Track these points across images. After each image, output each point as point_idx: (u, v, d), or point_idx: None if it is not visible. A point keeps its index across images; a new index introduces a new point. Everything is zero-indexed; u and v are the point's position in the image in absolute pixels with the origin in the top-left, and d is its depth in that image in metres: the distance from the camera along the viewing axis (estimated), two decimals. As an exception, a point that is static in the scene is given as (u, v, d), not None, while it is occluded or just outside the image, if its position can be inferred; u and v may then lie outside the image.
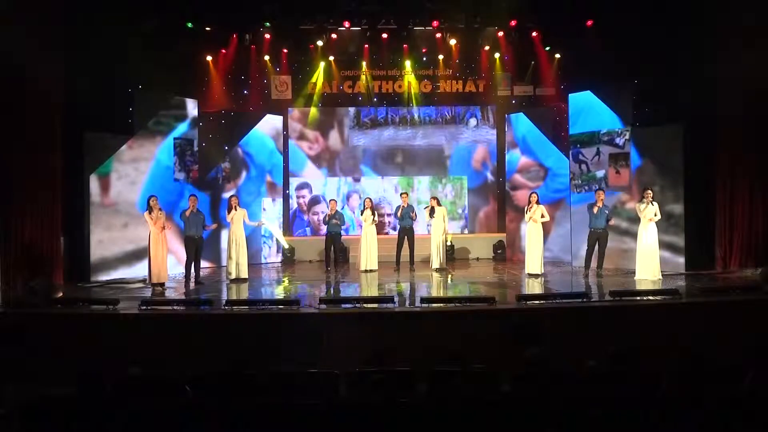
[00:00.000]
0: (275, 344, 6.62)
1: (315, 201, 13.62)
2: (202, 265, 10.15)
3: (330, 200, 11.59)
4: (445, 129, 13.65)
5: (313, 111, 13.44)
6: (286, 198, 13.39)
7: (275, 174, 12.97)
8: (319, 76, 13.13)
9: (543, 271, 9.90)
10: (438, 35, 12.45)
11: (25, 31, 8.38)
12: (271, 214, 12.71)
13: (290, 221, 13.49)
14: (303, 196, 13.63)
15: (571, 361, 4.84)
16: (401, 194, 11.48)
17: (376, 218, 11.06)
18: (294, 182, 13.57)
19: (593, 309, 7.29)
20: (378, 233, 11.24)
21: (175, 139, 11.01)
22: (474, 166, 13.68)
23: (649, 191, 9.16)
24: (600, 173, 10.86)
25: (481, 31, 12.46)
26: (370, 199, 11.43)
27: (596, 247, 9.81)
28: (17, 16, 8.34)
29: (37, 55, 8.62)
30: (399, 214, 11.11)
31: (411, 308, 7.57)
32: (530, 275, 9.83)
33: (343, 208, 13.40)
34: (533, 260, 9.91)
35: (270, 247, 12.63)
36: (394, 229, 12.07)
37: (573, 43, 11.71)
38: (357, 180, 13.68)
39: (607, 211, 9.72)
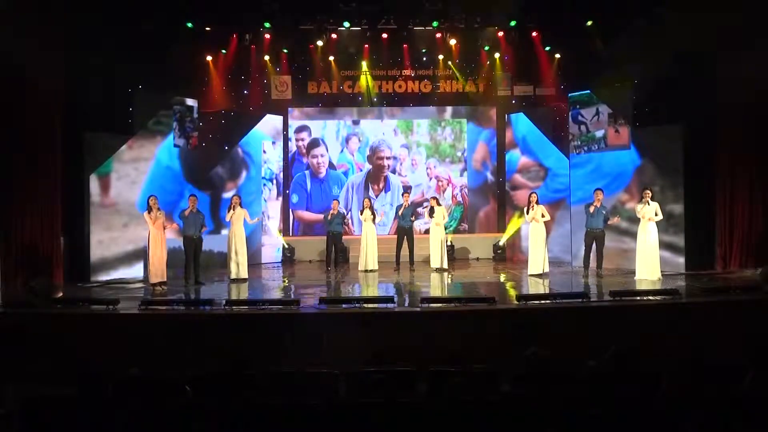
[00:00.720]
0: (275, 344, 6.63)
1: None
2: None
3: (333, 200, 11.59)
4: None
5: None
6: (285, 197, 13.39)
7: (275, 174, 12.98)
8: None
9: (546, 271, 9.89)
10: (438, 35, 12.45)
11: (25, 31, 8.37)
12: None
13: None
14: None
15: (571, 361, 4.84)
16: (403, 194, 11.48)
17: (376, 218, 11.07)
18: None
19: (593, 309, 7.29)
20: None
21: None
22: (474, 165, 13.69)
23: (648, 191, 9.16)
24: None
25: (481, 31, 12.45)
26: (369, 198, 11.43)
27: (594, 247, 9.82)
28: (17, 16, 8.33)
29: (37, 55, 8.61)
30: (400, 213, 11.13)
31: (411, 308, 7.57)
32: (533, 275, 9.82)
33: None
34: (536, 260, 9.89)
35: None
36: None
37: (573, 43, 11.70)
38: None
39: (604, 211, 9.72)
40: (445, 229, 11.22)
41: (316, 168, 13.52)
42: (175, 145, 11.02)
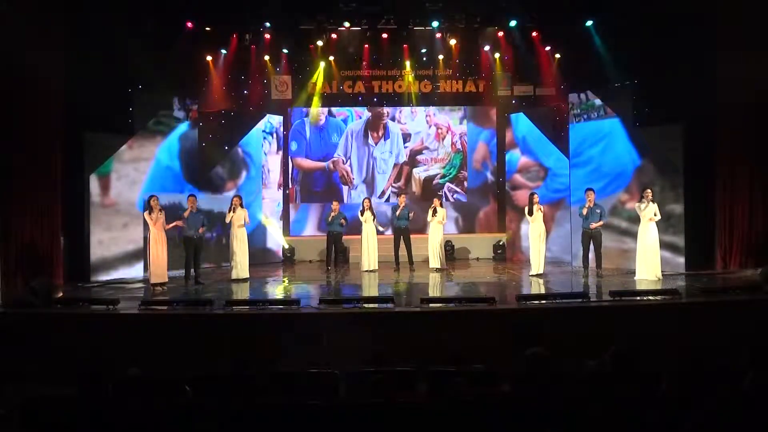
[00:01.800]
0: (275, 344, 6.62)
1: None
2: (201, 265, 10.15)
3: (332, 201, 11.57)
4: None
5: (315, 109, 13.45)
6: (285, 198, 13.38)
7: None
8: (319, 76, 13.12)
9: (543, 271, 9.88)
10: (438, 35, 12.45)
11: (25, 31, 8.38)
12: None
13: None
14: None
15: (571, 361, 4.84)
16: (398, 195, 11.45)
17: (375, 218, 11.05)
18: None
19: (593, 309, 7.29)
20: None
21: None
22: (474, 166, 13.69)
23: (649, 190, 9.16)
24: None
25: (481, 31, 12.45)
26: (369, 199, 11.41)
27: (592, 246, 9.81)
28: (17, 16, 8.33)
29: (37, 55, 8.61)
30: (398, 214, 11.11)
31: (411, 308, 7.57)
32: (534, 276, 9.82)
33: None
34: (537, 260, 9.89)
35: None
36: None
37: (573, 43, 11.71)
38: None
39: (598, 210, 9.70)
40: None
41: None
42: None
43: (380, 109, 13.55)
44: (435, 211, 10.84)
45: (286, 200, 13.41)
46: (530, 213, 9.90)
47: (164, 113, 10.92)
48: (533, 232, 9.99)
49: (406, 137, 13.52)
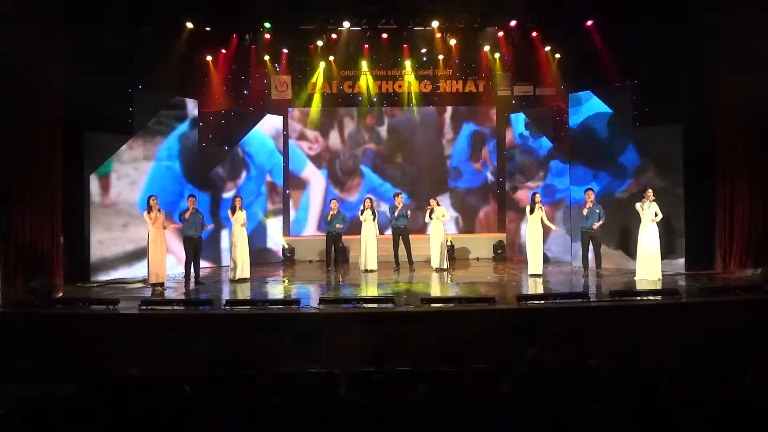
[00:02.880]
0: (275, 344, 6.63)
1: None
2: (201, 265, 10.14)
3: (331, 200, 11.56)
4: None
5: (314, 111, 13.45)
6: (286, 199, 13.38)
7: (275, 174, 12.98)
8: (319, 76, 13.14)
9: (542, 271, 9.88)
10: (438, 35, 12.44)
11: (25, 32, 8.38)
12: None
13: None
14: None
15: (571, 361, 4.84)
16: (395, 194, 11.39)
17: (376, 218, 11.04)
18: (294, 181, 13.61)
19: (593, 309, 7.29)
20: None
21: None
22: (474, 166, 13.68)
23: (650, 190, 9.16)
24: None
25: (481, 31, 12.44)
26: (370, 198, 11.39)
27: (591, 246, 9.80)
28: (17, 16, 8.33)
29: (37, 55, 8.61)
30: (396, 214, 11.08)
31: (411, 308, 7.57)
32: (533, 275, 9.82)
33: None
34: (535, 260, 9.90)
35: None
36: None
37: (573, 43, 11.71)
38: None
39: (598, 210, 9.69)
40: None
41: None
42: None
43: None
44: (432, 212, 10.82)
45: (286, 202, 13.41)
46: (531, 211, 9.90)
47: (164, 113, 10.91)
48: (530, 231, 10.00)
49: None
